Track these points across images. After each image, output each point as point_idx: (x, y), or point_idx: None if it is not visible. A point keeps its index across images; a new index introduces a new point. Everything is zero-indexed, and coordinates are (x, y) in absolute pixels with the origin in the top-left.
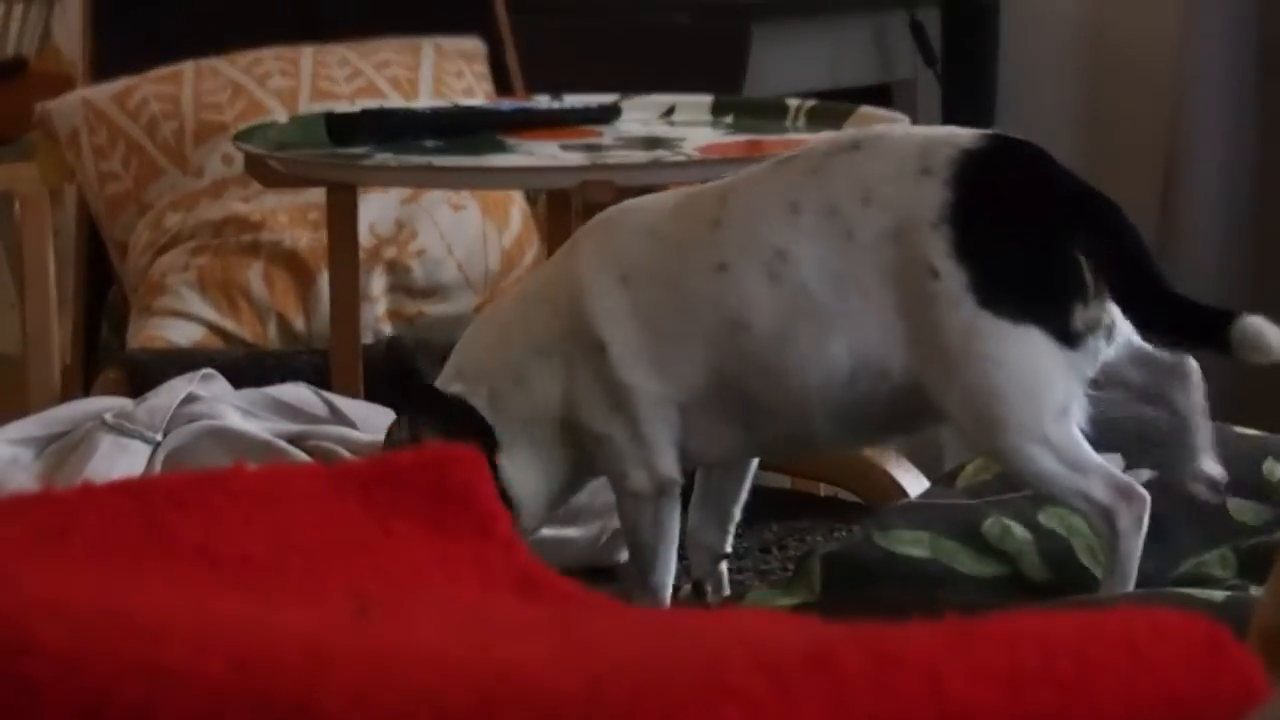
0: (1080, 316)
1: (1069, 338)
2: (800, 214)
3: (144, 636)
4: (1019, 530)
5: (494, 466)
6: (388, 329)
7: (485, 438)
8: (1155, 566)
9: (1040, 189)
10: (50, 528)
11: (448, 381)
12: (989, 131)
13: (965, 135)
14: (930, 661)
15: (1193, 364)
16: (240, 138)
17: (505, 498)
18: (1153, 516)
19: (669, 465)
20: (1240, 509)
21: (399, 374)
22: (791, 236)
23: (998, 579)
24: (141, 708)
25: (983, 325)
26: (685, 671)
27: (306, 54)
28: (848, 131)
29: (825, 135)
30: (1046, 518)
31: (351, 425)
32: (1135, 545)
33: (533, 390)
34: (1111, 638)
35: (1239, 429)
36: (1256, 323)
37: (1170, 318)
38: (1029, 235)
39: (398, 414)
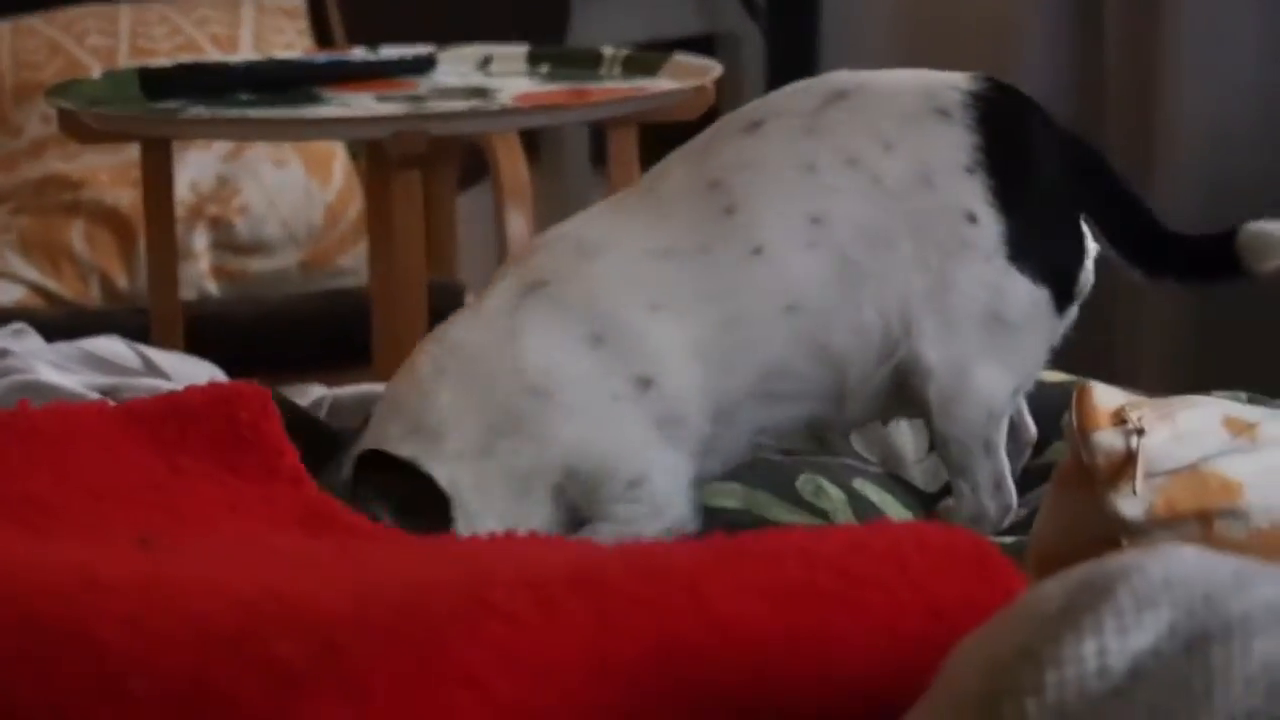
0: (1081, 280)
1: (1066, 302)
2: (818, 172)
3: None
4: (834, 490)
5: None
6: (212, 286)
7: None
8: None
9: (1048, 141)
10: None
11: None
12: (977, 74)
13: (959, 77)
14: (693, 576)
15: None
16: (53, 94)
17: None
18: None
19: (689, 508)
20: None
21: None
22: (819, 196)
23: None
24: None
25: (1009, 283)
26: (450, 590)
27: (125, 12)
28: (818, 80)
29: (785, 91)
30: (861, 485)
31: (165, 377)
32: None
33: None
34: (876, 551)
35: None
36: (1255, 227)
37: (1179, 257)
38: (1048, 191)
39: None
